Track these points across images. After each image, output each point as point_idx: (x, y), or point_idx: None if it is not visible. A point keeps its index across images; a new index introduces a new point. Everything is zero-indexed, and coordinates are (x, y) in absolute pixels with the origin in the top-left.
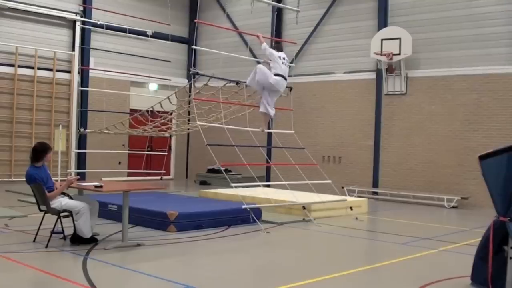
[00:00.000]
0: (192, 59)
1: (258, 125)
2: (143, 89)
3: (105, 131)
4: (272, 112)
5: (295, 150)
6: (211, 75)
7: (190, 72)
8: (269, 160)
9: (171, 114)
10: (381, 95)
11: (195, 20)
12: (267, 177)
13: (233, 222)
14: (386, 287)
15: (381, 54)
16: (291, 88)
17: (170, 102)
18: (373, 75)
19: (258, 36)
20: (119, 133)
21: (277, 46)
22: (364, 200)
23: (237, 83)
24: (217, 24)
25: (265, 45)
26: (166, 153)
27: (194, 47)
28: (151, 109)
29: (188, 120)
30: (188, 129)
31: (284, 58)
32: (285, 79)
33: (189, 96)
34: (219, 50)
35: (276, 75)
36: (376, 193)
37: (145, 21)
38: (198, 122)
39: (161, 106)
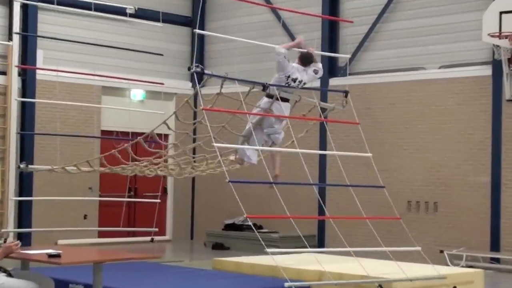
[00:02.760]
0: (197, 50)
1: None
2: (122, 99)
3: (60, 170)
4: (253, 159)
5: (362, 192)
6: (223, 75)
7: (191, 71)
8: (324, 207)
9: (166, 145)
10: (500, 102)
11: None
12: (319, 237)
13: None
14: None
15: (499, 37)
16: (346, 93)
17: (167, 126)
18: (486, 70)
19: (296, 43)
20: (84, 170)
21: (304, 58)
22: (479, 272)
23: (265, 87)
24: None
25: (283, 50)
26: (159, 200)
27: (198, 31)
28: (146, 133)
29: (194, 152)
30: (208, 165)
31: (299, 82)
32: (284, 103)
33: (198, 108)
34: (239, 36)
35: (268, 96)
36: (497, 260)
37: None
38: (217, 148)
39: (169, 127)
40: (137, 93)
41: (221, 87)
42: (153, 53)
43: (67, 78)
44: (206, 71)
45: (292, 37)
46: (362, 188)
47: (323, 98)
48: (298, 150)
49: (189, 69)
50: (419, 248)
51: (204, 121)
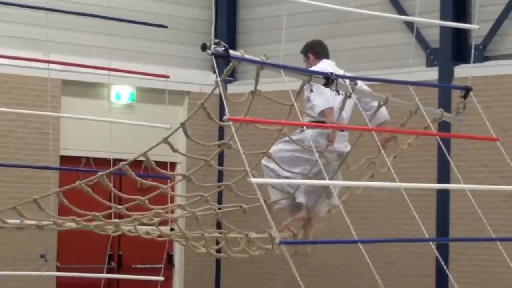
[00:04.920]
0: (221, 18)
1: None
2: (97, 103)
3: None
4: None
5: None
6: (261, 60)
7: (208, 52)
8: (451, 279)
9: (170, 179)
10: None
11: None
12: None
13: None
14: None
15: None
16: (467, 91)
17: (171, 148)
18: None
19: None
20: (30, 224)
21: (319, 49)
22: None
23: (330, 79)
24: None
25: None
26: (161, 278)
27: None
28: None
29: (220, 199)
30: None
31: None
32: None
33: (224, 116)
34: None
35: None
36: None
37: None
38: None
39: (174, 149)
40: (122, 92)
41: (257, 80)
42: (151, 24)
43: (1, 67)
44: (233, 53)
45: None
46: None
47: (442, 100)
48: (400, 184)
49: (204, 48)
50: None
51: (234, 143)
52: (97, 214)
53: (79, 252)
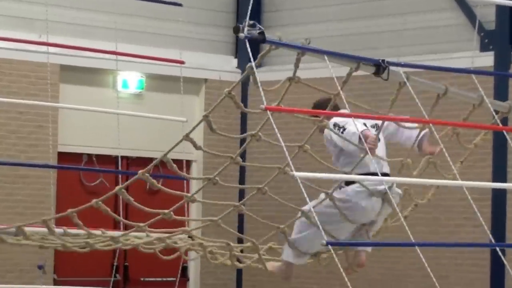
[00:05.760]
0: None
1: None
2: (101, 91)
3: None
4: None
5: None
6: (301, 45)
7: (241, 35)
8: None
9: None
10: None
11: None
12: None
13: None
14: None
15: None
16: None
17: (195, 146)
18: None
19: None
20: (25, 242)
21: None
22: None
23: (381, 66)
24: None
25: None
26: None
27: None
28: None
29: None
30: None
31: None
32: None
33: (261, 105)
34: None
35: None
36: None
37: None
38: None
39: (196, 146)
40: (130, 80)
41: (296, 66)
42: (164, 2)
43: None
44: (269, 36)
45: None
46: None
47: (499, 89)
48: (461, 182)
49: (237, 30)
50: None
51: (273, 138)
52: (110, 233)
53: (79, 263)
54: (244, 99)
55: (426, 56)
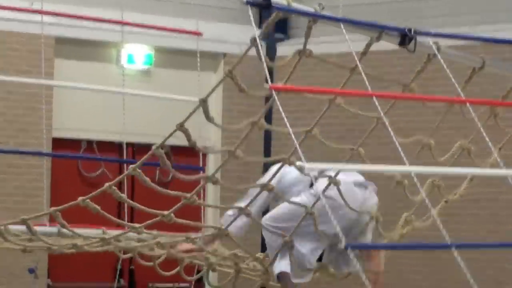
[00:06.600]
0: None
1: None
2: (103, 67)
3: None
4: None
5: None
6: (313, 11)
7: (244, 0)
8: None
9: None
10: None
11: None
12: None
13: None
14: None
15: None
16: None
17: (187, 136)
18: None
19: None
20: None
21: None
22: None
23: (407, 37)
24: None
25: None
26: None
27: None
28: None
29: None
30: None
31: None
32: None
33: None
34: None
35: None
36: None
37: None
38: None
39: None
40: (136, 54)
41: (307, 36)
42: None
43: None
44: (276, 1)
45: None
46: None
47: None
48: (505, 171)
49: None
50: None
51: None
52: (110, 232)
53: (77, 266)
54: (271, 76)
55: (479, 28)
